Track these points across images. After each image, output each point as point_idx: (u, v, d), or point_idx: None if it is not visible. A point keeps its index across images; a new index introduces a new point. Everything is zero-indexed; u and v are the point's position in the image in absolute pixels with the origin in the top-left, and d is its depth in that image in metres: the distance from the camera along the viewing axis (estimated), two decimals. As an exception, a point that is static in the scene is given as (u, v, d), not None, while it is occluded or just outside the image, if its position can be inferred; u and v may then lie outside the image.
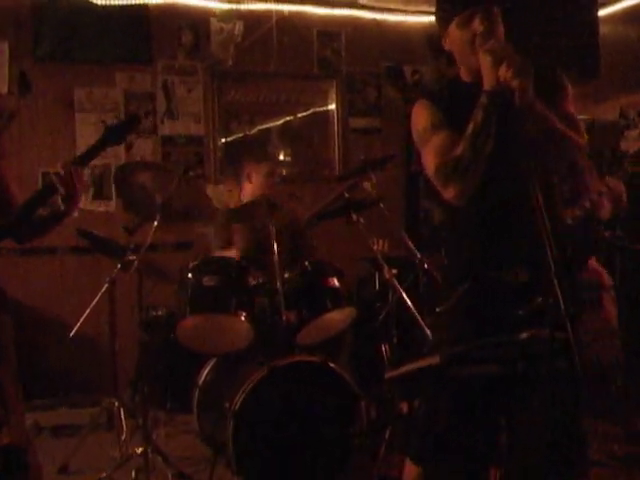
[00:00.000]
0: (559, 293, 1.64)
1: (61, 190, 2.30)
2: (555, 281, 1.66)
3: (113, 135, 2.48)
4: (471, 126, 1.96)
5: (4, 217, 2.39)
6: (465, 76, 2.16)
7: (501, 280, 2.07)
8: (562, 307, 1.64)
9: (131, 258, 3.47)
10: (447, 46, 2.18)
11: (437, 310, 2.25)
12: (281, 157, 5.54)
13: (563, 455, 2.07)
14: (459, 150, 1.97)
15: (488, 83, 1.93)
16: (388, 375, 2.07)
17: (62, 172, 2.30)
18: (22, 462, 2.35)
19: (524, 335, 1.78)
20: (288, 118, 5.55)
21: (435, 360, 1.79)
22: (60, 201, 2.34)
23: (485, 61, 1.93)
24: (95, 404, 4.38)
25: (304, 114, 5.58)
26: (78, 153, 2.50)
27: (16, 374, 2.38)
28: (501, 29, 2.06)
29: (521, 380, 1.98)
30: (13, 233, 2.39)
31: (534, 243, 2.04)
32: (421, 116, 2.14)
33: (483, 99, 1.95)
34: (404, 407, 3.78)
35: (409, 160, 5.76)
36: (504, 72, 1.88)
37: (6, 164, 2.51)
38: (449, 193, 2.02)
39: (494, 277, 2.08)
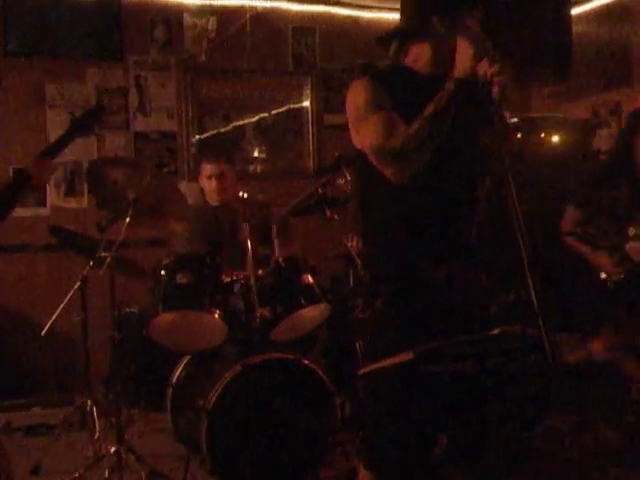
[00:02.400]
0: (532, 288, 1.64)
1: (34, 181, 2.28)
2: (528, 276, 1.65)
3: (80, 126, 2.47)
4: (431, 109, 1.94)
5: None
6: (416, 65, 2.15)
7: (429, 278, 2.08)
8: (535, 303, 1.64)
9: (103, 255, 3.43)
10: None
11: (360, 315, 2.24)
12: (255, 154, 5.52)
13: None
14: (411, 129, 1.95)
15: (462, 71, 1.92)
16: (362, 371, 2.06)
17: (35, 165, 2.28)
18: None
19: (496, 331, 1.80)
20: (263, 115, 5.52)
21: (408, 357, 1.80)
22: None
23: (464, 49, 1.91)
24: (68, 403, 4.34)
25: (279, 110, 5.56)
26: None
27: None
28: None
29: (491, 377, 1.99)
30: None
31: (463, 238, 2.07)
32: (362, 92, 2.08)
33: (450, 85, 1.93)
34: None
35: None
36: (488, 66, 1.87)
37: None
38: (388, 171, 1.98)
39: (423, 275, 2.08)
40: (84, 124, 2.49)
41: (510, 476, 2.07)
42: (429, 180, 2.01)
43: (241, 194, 3.54)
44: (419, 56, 2.13)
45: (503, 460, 2.02)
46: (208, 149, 5.20)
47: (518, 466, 2.04)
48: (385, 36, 2.23)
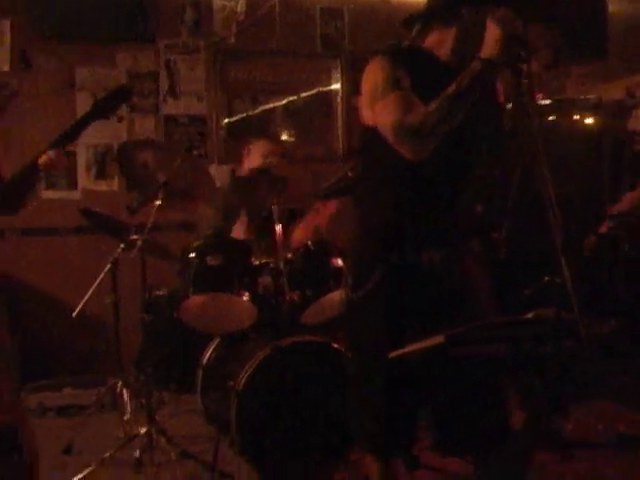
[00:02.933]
0: (566, 272, 1.62)
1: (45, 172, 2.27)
2: (562, 260, 1.63)
3: (102, 108, 2.44)
4: (453, 87, 1.92)
5: None
6: (435, 48, 2.13)
7: (418, 263, 2.06)
8: (569, 286, 1.61)
9: (134, 238, 3.45)
10: None
11: (349, 298, 2.24)
12: (284, 137, 5.50)
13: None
14: (431, 108, 1.93)
15: (489, 52, 1.89)
16: (392, 355, 2.05)
17: (51, 154, 2.27)
18: (14, 442, 2.34)
19: (530, 315, 1.77)
20: (291, 98, 5.49)
21: (440, 340, 1.78)
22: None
23: (493, 30, 1.88)
24: (99, 384, 4.39)
25: (308, 93, 5.53)
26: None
27: (7, 353, 2.36)
28: None
29: (525, 361, 1.97)
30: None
31: (456, 224, 2.06)
32: (380, 71, 2.07)
33: (477, 65, 1.91)
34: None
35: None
36: (518, 50, 1.83)
37: None
38: (405, 149, 1.97)
39: (412, 260, 2.06)
40: (107, 106, 2.46)
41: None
42: (435, 161, 1.99)
43: (268, 162, 3.53)
44: (441, 41, 2.11)
45: (531, 443, 2.01)
46: (242, 128, 5.17)
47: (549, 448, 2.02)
48: (409, 18, 2.22)
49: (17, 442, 2.35)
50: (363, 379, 2.20)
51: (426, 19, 2.17)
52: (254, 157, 4.08)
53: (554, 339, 1.75)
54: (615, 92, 5.40)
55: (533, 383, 1.87)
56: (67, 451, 3.77)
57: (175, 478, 3.34)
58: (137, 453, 3.46)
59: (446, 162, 2.05)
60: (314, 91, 5.55)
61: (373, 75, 2.09)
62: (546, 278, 1.83)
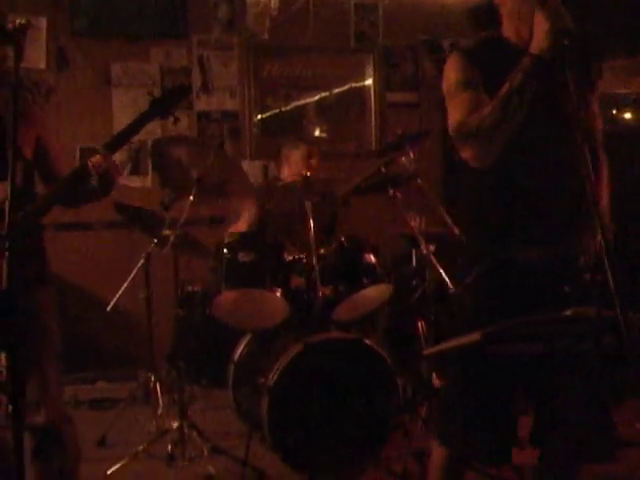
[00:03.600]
0: (609, 271, 1.58)
1: (94, 176, 2.23)
2: (605, 259, 1.59)
3: (159, 108, 2.37)
4: (506, 87, 1.88)
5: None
6: (511, 35, 2.07)
7: (520, 259, 2.01)
8: (612, 285, 1.57)
9: (167, 233, 3.46)
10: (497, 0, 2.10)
11: (450, 292, 2.20)
12: (316, 133, 5.48)
13: (594, 435, 2.03)
14: (487, 110, 1.89)
15: (538, 47, 1.84)
16: (427, 352, 2.03)
17: (97, 158, 2.23)
18: (58, 442, 2.34)
19: (568, 312, 1.73)
20: (324, 94, 5.47)
21: (476, 337, 1.75)
22: (94, 183, 2.25)
23: (542, 24, 1.83)
24: (132, 378, 4.42)
25: (341, 89, 5.50)
26: (117, 129, 2.43)
27: (58, 353, 2.36)
28: None
29: (561, 358, 1.94)
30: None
31: (556, 221, 1.99)
32: (452, 71, 2.06)
33: (527, 62, 1.86)
34: (439, 384, 3.75)
35: (446, 135, 5.66)
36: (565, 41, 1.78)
37: (50, 139, 2.45)
38: (466, 152, 1.96)
39: (514, 256, 2.01)
40: (165, 105, 2.39)
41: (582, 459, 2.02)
42: (523, 160, 1.95)
43: (304, 172, 3.51)
44: (508, 24, 2.05)
45: (574, 443, 1.97)
46: (287, 130, 5.16)
47: (591, 450, 1.99)
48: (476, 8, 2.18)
49: (62, 441, 2.34)
50: (456, 374, 2.14)
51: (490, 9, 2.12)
52: (294, 164, 4.07)
53: (594, 337, 1.72)
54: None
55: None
56: (101, 443, 3.79)
57: (208, 472, 3.33)
58: (169, 447, 3.47)
59: (540, 159, 1.99)
60: (347, 87, 5.52)
61: (447, 74, 2.08)
62: (587, 276, 1.79)
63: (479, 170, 1.99)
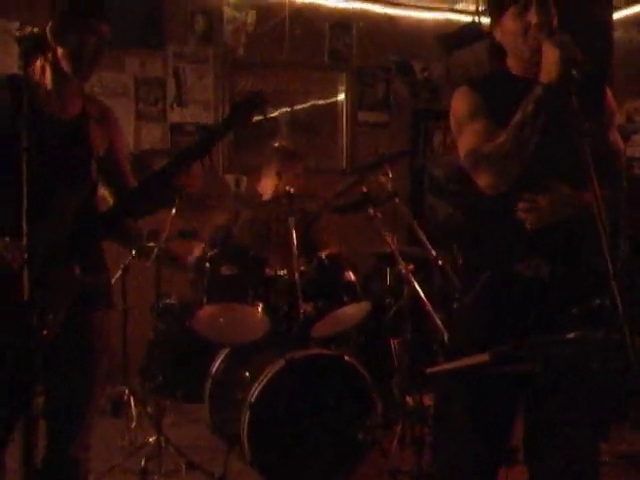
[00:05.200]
0: (616, 293, 1.63)
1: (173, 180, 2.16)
2: (612, 282, 1.64)
3: (239, 115, 2.26)
4: (518, 116, 1.93)
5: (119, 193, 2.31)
6: (514, 68, 2.14)
7: (521, 274, 2.06)
8: (620, 308, 1.63)
9: (150, 245, 3.43)
10: (498, 37, 2.16)
11: (455, 306, 2.22)
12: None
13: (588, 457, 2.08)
14: (501, 138, 1.94)
15: (548, 76, 1.90)
16: (430, 371, 2.05)
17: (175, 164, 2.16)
18: (75, 473, 2.24)
19: (572, 335, 1.79)
20: (297, 107, 5.50)
21: (484, 358, 1.79)
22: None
23: (551, 53, 1.89)
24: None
25: (313, 104, 5.55)
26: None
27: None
28: (556, 20, 2.05)
29: (564, 379, 1.99)
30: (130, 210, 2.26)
31: (560, 238, 2.05)
32: (461, 102, 2.11)
33: (538, 90, 1.91)
34: (411, 402, 3.79)
35: (414, 156, 5.77)
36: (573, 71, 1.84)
37: (121, 143, 2.36)
38: (482, 180, 1.99)
39: (515, 270, 2.06)
40: (244, 113, 2.30)
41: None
42: (534, 179, 1.99)
43: (288, 188, 3.53)
44: (511, 56, 2.12)
45: (566, 463, 2.02)
46: (247, 138, 5.18)
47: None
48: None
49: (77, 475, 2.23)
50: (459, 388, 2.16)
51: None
52: (287, 179, 3.99)
53: (599, 359, 1.78)
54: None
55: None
56: (69, 458, 3.71)
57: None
58: (143, 462, 3.42)
59: (548, 177, 2.04)
60: (320, 103, 5.57)
61: (455, 107, 2.12)
62: (597, 300, 1.84)
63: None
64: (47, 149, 2.04)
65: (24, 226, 1.76)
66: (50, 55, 2.06)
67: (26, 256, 1.76)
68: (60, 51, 2.05)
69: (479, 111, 2.04)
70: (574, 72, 1.88)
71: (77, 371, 2.15)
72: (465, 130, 2.05)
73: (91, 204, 2.23)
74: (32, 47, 1.95)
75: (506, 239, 2.07)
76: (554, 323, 1.89)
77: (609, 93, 2.18)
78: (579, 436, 2.03)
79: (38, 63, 2.10)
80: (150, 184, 2.21)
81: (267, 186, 4.02)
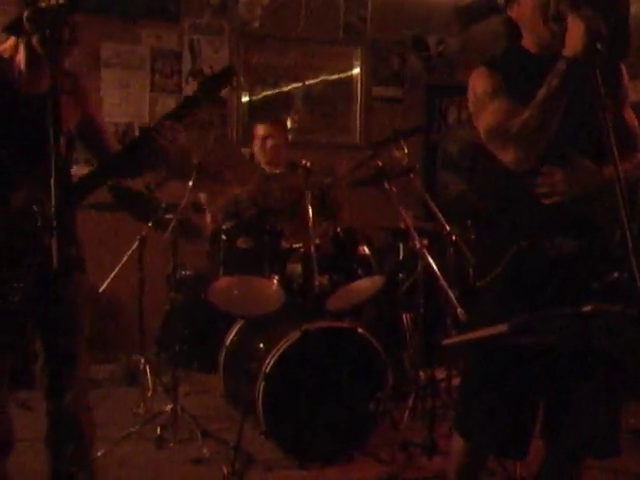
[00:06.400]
0: (634, 267, 1.65)
1: (156, 143, 2.21)
2: (632, 257, 1.66)
3: (208, 90, 2.34)
4: (544, 91, 1.93)
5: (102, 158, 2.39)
6: (531, 46, 2.14)
7: (547, 249, 2.07)
8: (638, 282, 1.65)
9: (168, 217, 3.46)
10: (514, 14, 2.16)
11: (479, 283, 2.22)
12: (303, 123, 5.50)
13: (606, 431, 2.11)
14: (526, 114, 1.94)
15: (572, 50, 1.90)
16: (446, 342, 2.08)
17: (159, 126, 2.23)
18: (74, 428, 2.35)
19: (588, 308, 1.81)
20: (311, 81, 5.49)
21: (503, 329, 1.81)
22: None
23: (576, 27, 1.89)
24: (109, 361, 4.42)
25: (327, 78, 5.53)
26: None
27: (87, 343, 2.38)
28: None
29: (581, 353, 2.02)
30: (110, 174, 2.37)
31: (585, 214, 2.06)
32: (480, 82, 2.11)
33: (562, 65, 1.91)
34: (422, 376, 3.83)
35: (428, 131, 5.76)
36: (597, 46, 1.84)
37: (96, 114, 2.45)
38: (508, 157, 1.99)
39: (540, 246, 2.08)
40: (213, 88, 2.37)
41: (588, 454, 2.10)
42: (555, 153, 2.00)
43: (304, 162, 3.55)
44: (528, 33, 2.11)
45: (583, 437, 2.05)
46: (261, 112, 5.21)
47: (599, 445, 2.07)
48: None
49: (75, 432, 2.35)
50: (477, 364, 2.18)
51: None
52: (254, 142, 4.21)
53: (615, 332, 1.80)
54: (633, 93, 5.45)
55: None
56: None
57: (199, 455, 3.36)
58: (158, 430, 3.48)
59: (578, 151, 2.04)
60: (334, 78, 5.56)
61: (473, 88, 2.12)
62: (615, 274, 1.86)
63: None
64: (16, 124, 2.16)
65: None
66: (25, 40, 2.15)
67: None
68: (35, 38, 2.12)
69: (499, 90, 2.05)
70: (599, 46, 1.89)
71: (66, 323, 2.24)
72: (486, 109, 2.05)
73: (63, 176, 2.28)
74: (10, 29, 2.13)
75: (528, 215, 2.08)
76: (576, 297, 1.91)
77: (623, 69, 2.19)
78: (597, 407, 2.06)
79: (11, 41, 2.22)
80: (130, 149, 2.31)
81: (258, 154, 4.18)
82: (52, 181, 1.72)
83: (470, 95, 2.15)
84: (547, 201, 2.02)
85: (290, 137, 4.45)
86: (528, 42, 2.14)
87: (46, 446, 2.35)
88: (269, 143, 4.16)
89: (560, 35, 1.96)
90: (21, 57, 2.20)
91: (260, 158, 4.23)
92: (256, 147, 4.24)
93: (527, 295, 2.04)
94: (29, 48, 2.17)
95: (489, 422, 2.10)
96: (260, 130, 4.22)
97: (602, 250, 2.03)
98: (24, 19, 2.09)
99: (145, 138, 2.24)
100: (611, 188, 1.71)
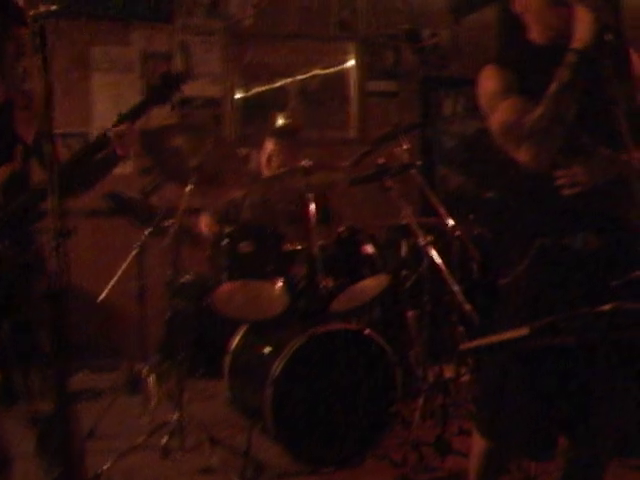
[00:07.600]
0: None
1: (112, 147, 2.23)
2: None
3: (157, 95, 2.40)
4: (555, 85, 1.88)
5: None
6: (539, 39, 2.09)
7: (568, 247, 2.03)
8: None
9: (166, 224, 3.40)
10: (518, 6, 2.11)
11: (501, 282, 2.17)
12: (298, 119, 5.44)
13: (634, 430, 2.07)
14: (539, 110, 1.90)
15: (581, 41, 1.85)
16: (464, 346, 2.04)
17: (115, 130, 2.24)
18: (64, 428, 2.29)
19: (607, 307, 1.76)
20: (304, 76, 5.43)
21: (524, 332, 1.76)
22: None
23: (585, 17, 1.84)
24: (110, 369, 4.36)
25: (321, 74, 5.48)
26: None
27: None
28: None
29: (603, 353, 1.97)
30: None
31: (606, 210, 2.01)
32: (491, 80, 2.07)
33: (572, 57, 1.87)
34: (431, 374, 3.78)
35: (424, 126, 5.71)
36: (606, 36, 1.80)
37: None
38: (523, 155, 1.95)
39: (564, 242, 2.03)
40: (162, 93, 2.40)
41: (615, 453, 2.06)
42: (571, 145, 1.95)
43: (304, 162, 3.48)
44: (535, 25, 2.07)
45: (617, 434, 2.01)
46: (256, 110, 5.13)
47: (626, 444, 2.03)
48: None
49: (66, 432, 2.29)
50: (501, 365, 2.13)
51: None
52: (262, 151, 4.09)
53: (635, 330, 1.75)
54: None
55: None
56: (90, 436, 3.71)
57: (207, 464, 3.30)
58: (164, 439, 3.42)
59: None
60: (328, 73, 5.50)
61: (484, 86, 2.08)
62: (638, 272, 1.81)
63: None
64: None
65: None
66: None
67: None
68: None
69: (511, 87, 2.01)
70: (608, 36, 1.84)
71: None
72: (498, 107, 2.00)
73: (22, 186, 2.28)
74: None
75: (550, 212, 2.04)
76: (599, 294, 1.87)
77: (635, 57, 2.14)
78: (625, 406, 2.02)
79: None
80: (80, 157, 2.31)
81: (264, 163, 4.05)
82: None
83: (481, 94, 2.10)
84: (569, 192, 1.96)
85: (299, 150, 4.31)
86: (535, 33, 2.09)
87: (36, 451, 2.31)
88: (275, 161, 4.04)
89: (568, 19, 1.91)
90: None
91: (263, 168, 4.10)
92: (262, 157, 4.11)
93: (551, 293, 1.99)
94: None
95: (518, 424, 2.05)
96: (269, 144, 4.07)
97: (625, 246, 1.98)
98: None
99: (99, 144, 2.25)
100: (629, 179, 1.67)
